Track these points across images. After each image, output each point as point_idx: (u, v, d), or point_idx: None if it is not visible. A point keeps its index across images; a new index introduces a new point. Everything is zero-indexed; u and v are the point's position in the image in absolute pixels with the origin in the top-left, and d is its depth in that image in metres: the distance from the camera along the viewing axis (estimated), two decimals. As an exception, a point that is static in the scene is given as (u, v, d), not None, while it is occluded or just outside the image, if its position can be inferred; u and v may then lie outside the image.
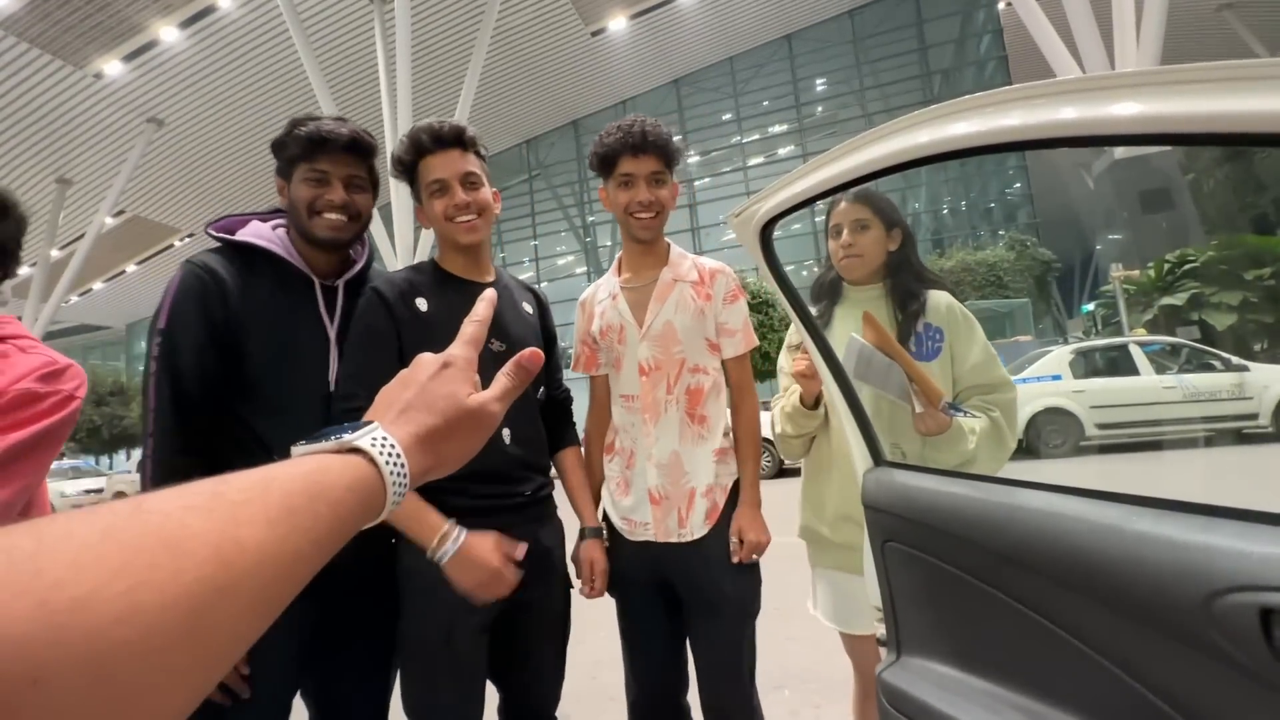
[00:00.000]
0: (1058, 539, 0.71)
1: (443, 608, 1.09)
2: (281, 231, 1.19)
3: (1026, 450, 7.36)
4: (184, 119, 20.91)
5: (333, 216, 1.15)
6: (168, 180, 23.60)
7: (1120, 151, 13.51)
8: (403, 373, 0.46)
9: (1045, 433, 7.47)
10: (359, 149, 1.17)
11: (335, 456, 0.34)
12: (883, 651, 1.05)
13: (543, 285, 27.75)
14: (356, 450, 0.35)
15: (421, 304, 1.20)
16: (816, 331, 1.20)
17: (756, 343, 1.42)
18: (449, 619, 1.11)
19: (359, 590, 1.16)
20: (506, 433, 1.23)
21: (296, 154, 1.14)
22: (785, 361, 1.49)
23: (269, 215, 1.23)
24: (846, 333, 1.28)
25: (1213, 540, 0.57)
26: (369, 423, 0.38)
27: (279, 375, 1.11)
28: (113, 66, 18.21)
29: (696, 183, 25.72)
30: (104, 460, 25.00)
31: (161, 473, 1.03)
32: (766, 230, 1.17)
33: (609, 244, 29.54)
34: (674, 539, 1.32)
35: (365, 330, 1.15)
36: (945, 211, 24.93)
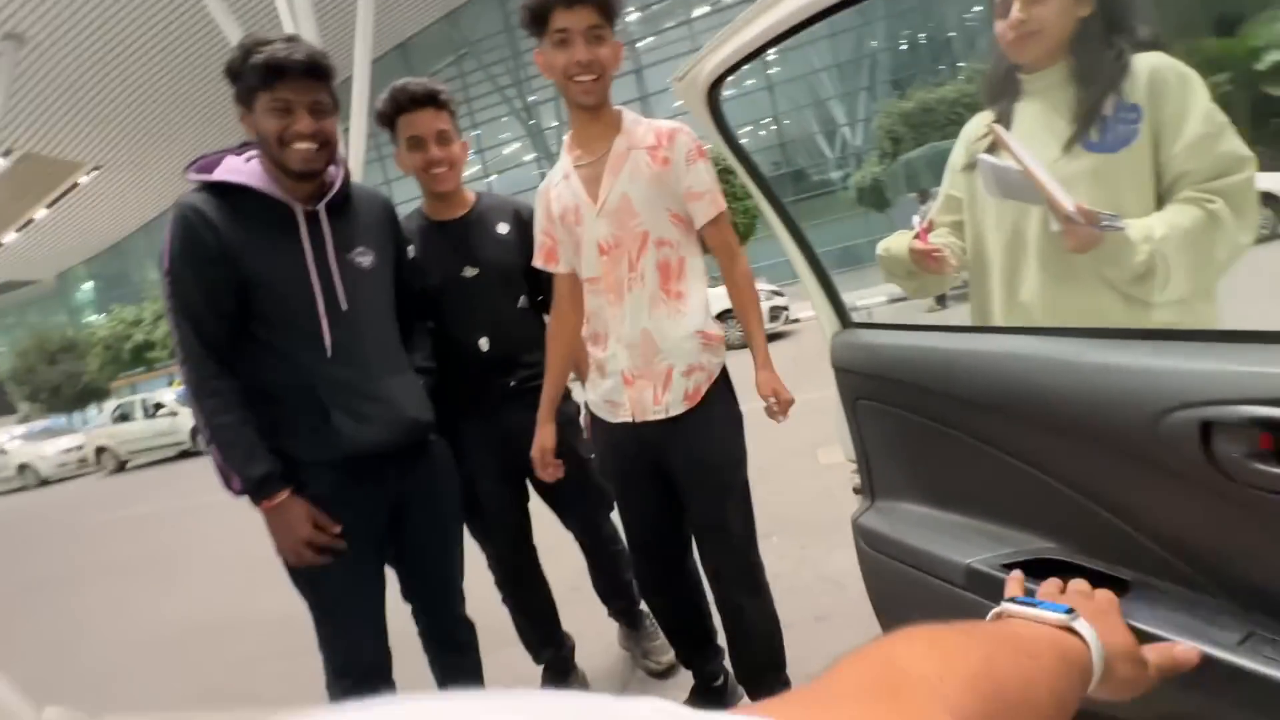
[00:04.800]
0: (1017, 378, 0.74)
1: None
2: (255, 163, 1.24)
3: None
4: (50, 34, 18.23)
5: (303, 146, 1.18)
6: (55, 109, 21.06)
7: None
8: (1092, 592, 0.56)
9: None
10: (319, 73, 1.17)
11: (1072, 640, 0.46)
12: (857, 501, 1.12)
13: (491, 180, 26.33)
14: (1077, 634, 0.47)
15: (410, 250, 1.50)
16: (773, 196, 1.14)
17: (724, 206, 1.33)
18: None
19: (410, 472, 1.36)
20: (484, 341, 1.54)
21: (255, 84, 1.15)
22: (958, 156, 1.24)
23: (241, 149, 1.28)
24: (1030, 135, 1.04)
25: (1159, 364, 0.60)
26: (1072, 611, 0.48)
27: (275, 297, 1.22)
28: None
29: (639, 44, 23.75)
30: (75, 418, 24.57)
31: (201, 394, 1.18)
32: (714, 90, 1.09)
33: (555, 124, 27.71)
34: (649, 416, 1.33)
35: None
36: (904, 47, 23.58)
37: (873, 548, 1.01)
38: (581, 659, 1.86)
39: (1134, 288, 0.96)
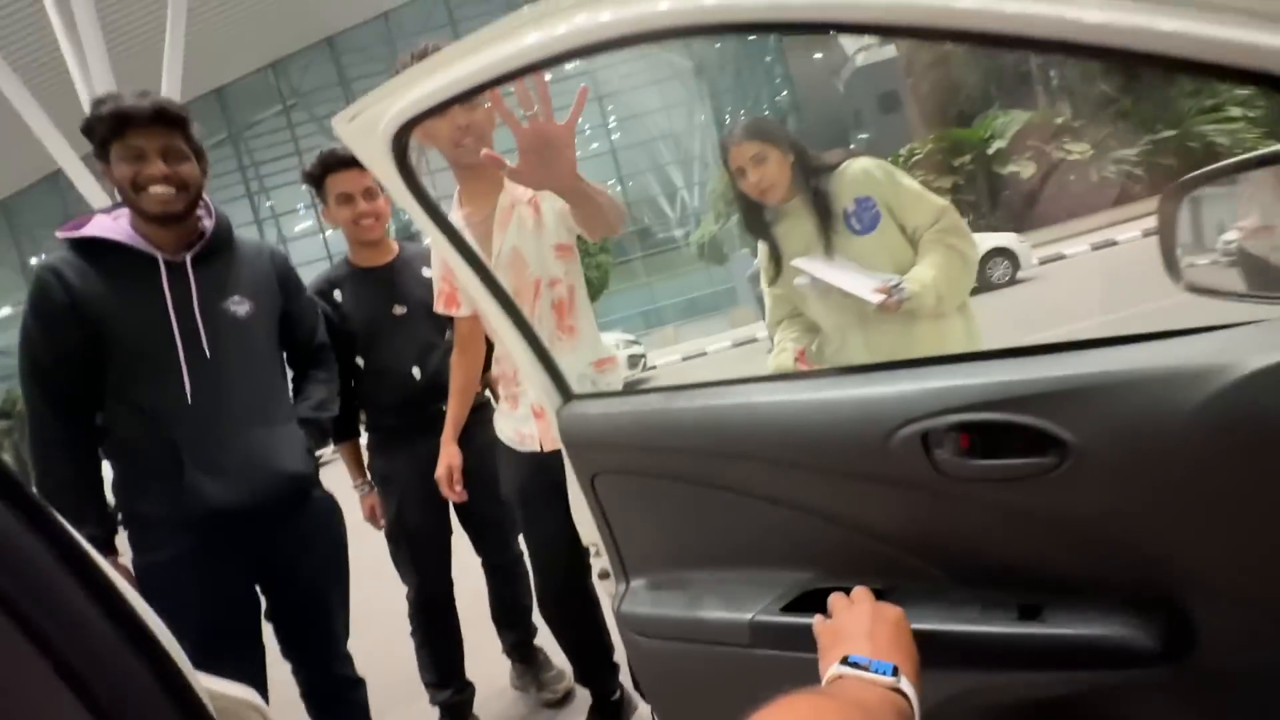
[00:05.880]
0: (756, 423, 0.77)
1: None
2: (124, 221, 1.27)
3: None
4: None
5: (158, 190, 1.21)
6: None
7: (861, 58, 15.36)
8: (884, 614, 0.63)
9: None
10: (168, 119, 1.22)
11: (899, 698, 0.54)
12: (609, 585, 1.01)
13: (328, 234, 24.64)
14: (900, 690, 0.55)
15: (337, 295, 1.70)
16: (479, 266, 0.98)
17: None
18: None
19: (281, 528, 1.33)
20: (416, 370, 1.69)
21: (106, 134, 1.20)
22: (765, 271, 1.59)
23: (112, 208, 1.31)
24: (798, 246, 1.46)
25: (887, 389, 0.69)
26: (897, 671, 0.56)
27: (132, 347, 1.22)
28: None
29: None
30: None
31: (36, 451, 1.21)
32: (400, 138, 0.85)
33: (399, 180, 26.73)
34: (558, 445, 1.40)
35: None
36: (728, 121, 26.46)
37: (643, 634, 0.91)
38: (476, 706, 1.84)
39: (935, 310, 1.38)
